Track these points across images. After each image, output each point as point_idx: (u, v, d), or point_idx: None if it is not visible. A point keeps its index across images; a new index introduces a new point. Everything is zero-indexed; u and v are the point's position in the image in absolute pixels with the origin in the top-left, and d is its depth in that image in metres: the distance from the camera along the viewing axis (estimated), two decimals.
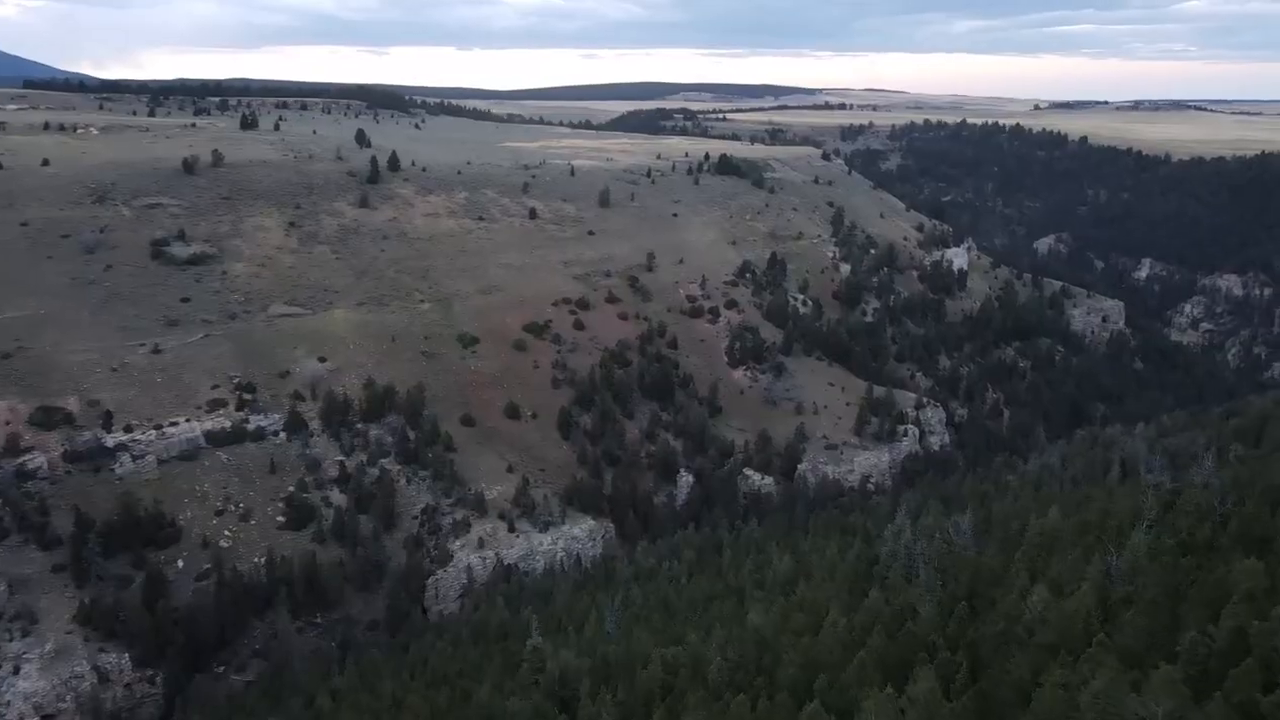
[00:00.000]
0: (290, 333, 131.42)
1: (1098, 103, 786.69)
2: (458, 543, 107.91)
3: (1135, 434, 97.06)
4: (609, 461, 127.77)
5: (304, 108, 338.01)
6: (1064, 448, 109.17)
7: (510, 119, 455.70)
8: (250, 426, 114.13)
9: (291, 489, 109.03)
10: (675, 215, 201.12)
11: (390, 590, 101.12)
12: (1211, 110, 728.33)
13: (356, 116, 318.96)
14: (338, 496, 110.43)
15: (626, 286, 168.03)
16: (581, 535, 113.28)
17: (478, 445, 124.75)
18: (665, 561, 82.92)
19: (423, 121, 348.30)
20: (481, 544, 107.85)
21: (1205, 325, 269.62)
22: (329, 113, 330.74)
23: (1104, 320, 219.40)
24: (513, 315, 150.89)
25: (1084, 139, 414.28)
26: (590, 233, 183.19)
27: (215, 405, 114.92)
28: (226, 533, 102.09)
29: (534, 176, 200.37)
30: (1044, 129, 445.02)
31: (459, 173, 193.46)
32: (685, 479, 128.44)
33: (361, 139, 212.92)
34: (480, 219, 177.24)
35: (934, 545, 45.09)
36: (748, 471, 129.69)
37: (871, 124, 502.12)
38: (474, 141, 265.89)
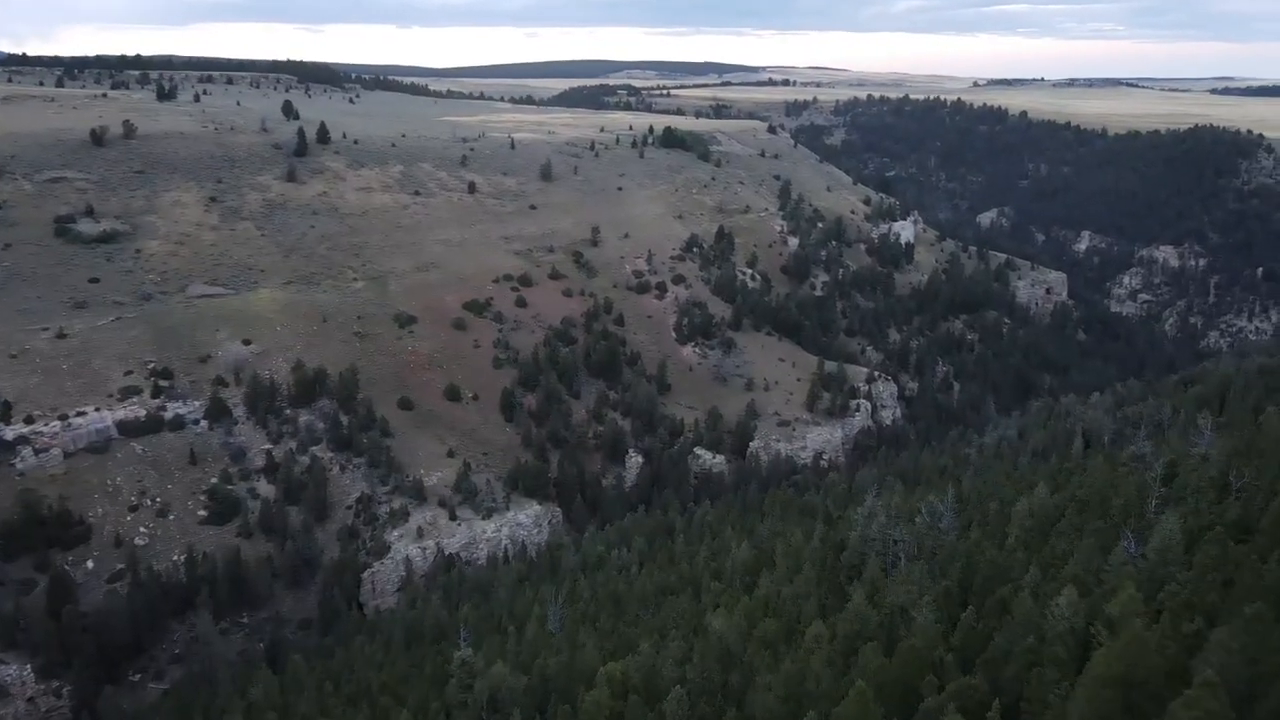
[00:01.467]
0: (211, 314, 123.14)
1: (1035, 80, 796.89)
2: (395, 533, 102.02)
3: (1093, 404, 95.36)
4: (555, 443, 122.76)
5: (230, 82, 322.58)
6: (1020, 419, 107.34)
7: (450, 95, 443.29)
8: (168, 415, 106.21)
9: (214, 481, 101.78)
10: (620, 189, 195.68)
11: (323, 586, 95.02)
12: (1143, 87, 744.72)
13: (287, 91, 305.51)
14: (265, 487, 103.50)
15: (570, 262, 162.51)
16: (527, 521, 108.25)
17: (416, 429, 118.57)
18: (614, 549, 78.36)
19: (357, 96, 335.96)
20: (421, 534, 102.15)
21: (1143, 296, 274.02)
22: (257, 87, 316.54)
23: (1048, 292, 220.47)
24: (452, 293, 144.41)
25: (1023, 114, 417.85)
26: (532, 207, 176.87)
27: (128, 393, 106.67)
28: (142, 530, 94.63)
29: (472, 150, 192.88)
30: (984, 104, 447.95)
31: (393, 145, 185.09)
32: (634, 459, 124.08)
33: (289, 110, 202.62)
34: (416, 194, 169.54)
35: (914, 530, 41.04)
36: (698, 451, 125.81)
37: (816, 100, 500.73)
38: (411, 116, 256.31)
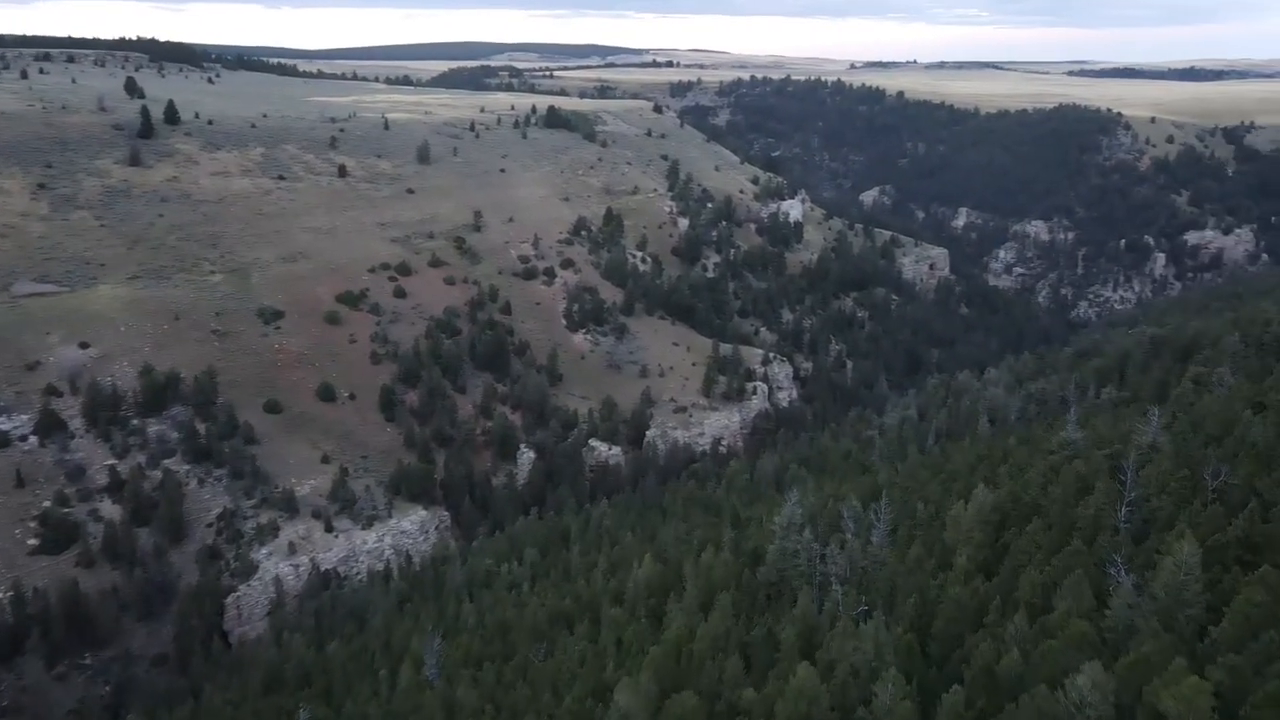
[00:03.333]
0: (40, 315, 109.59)
1: (908, 63, 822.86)
2: (263, 550, 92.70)
3: (991, 380, 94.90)
4: (440, 442, 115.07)
5: (71, 60, 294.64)
6: (917, 397, 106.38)
7: (321, 76, 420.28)
8: None
9: (47, 504, 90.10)
10: (503, 171, 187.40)
11: (180, 616, 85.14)
12: (1007, 69, 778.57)
13: (137, 70, 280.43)
14: (109, 508, 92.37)
15: (452, 249, 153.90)
16: (411, 528, 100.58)
17: (286, 434, 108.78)
18: (505, 562, 71.75)
19: (217, 76, 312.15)
20: (293, 549, 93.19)
21: (1018, 269, 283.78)
22: (102, 65, 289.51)
23: (931, 268, 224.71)
24: (323, 284, 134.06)
25: (900, 94, 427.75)
26: (409, 191, 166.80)
27: None
28: None
29: (342, 131, 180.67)
30: (863, 85, 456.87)
31: (253, 126, 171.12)
32: (526, 455, 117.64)
33: (132, 88, 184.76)
34: (280, 178, 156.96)
35: (844, 547, 36.18)
36: (593, 443, 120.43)
37: (700, 81, 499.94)
38: (277, 97, 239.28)
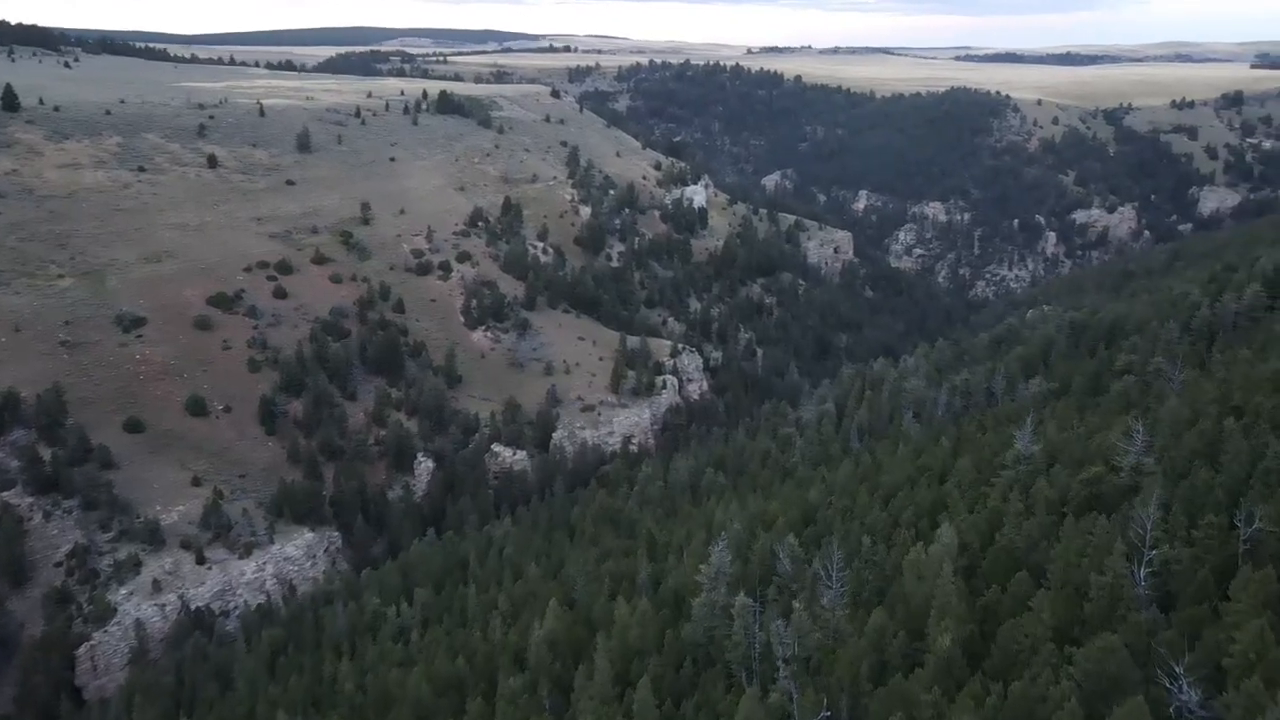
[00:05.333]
0: None
1: (803, 48, 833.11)
2: (122, 591, 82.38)
3: (908, 370, 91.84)
4: (328, 455, 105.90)
5: None
6: (833, 390, 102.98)
7: (195, 61, 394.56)
8: None
9: None
10: (392, 160, 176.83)
11: (23, 671, 74.55)
12: (898, 54, 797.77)
13: None
14: None
15: (338, 244, 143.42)
16: (297, 554, 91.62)
17: (149, 456, 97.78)
18: (393, 603, 63.86)
19: (75, 60, 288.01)
20: (158, 587, 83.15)
21: (918, 251, 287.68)
22: None
23: (835, 251, 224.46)
24: (192, 287, 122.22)
25: (798, 78, 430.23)
26: (289, 183, 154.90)
27: None
28: None
29: (212, 118, 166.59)
30: (761, 69, 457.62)
31: (108, 113, 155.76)
32: (424, 465, 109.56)
33: None
34: (141, 170, 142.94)
35: (793, 623, 29.78)
36: (496, 448, 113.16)
37: (599, 66, 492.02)
38: (141, 82, 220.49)
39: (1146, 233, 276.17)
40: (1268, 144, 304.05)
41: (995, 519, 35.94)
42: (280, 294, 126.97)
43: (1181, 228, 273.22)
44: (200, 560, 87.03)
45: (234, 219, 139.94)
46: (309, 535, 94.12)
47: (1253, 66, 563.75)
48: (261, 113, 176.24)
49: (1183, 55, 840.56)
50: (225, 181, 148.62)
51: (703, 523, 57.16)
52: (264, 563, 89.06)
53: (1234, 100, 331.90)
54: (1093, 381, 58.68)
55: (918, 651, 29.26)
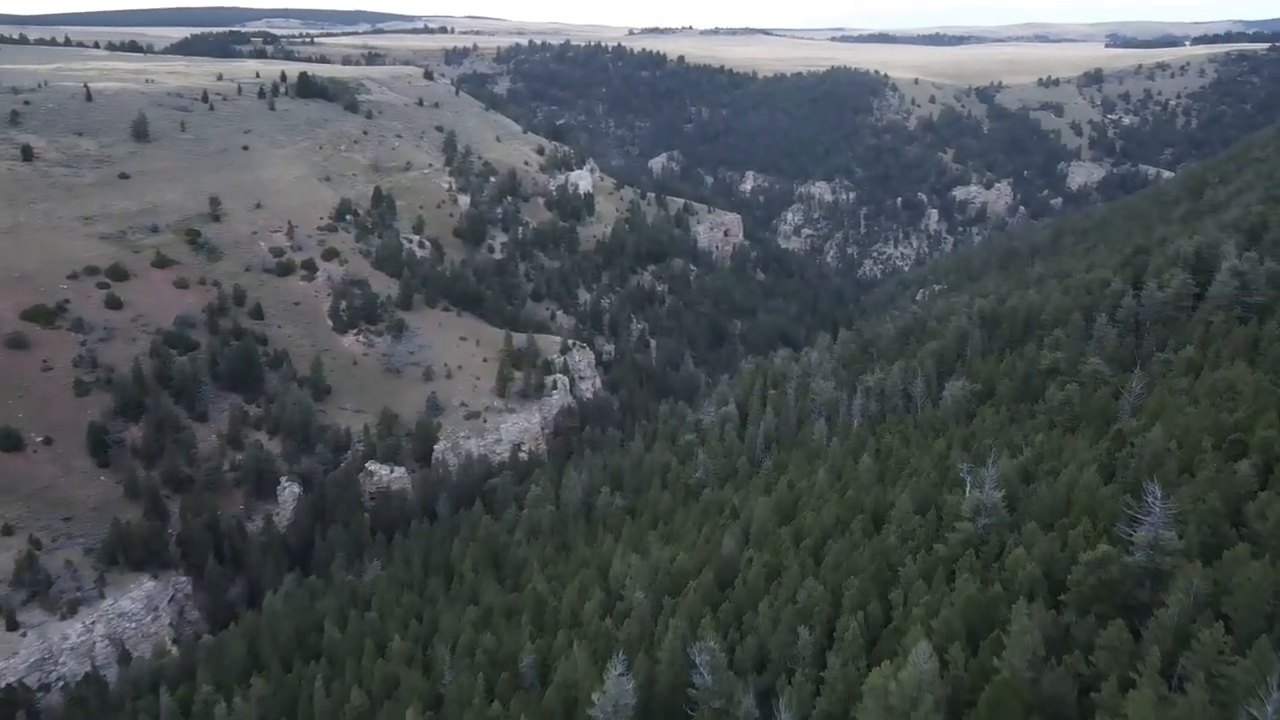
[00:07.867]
0: None
1: (684, 29, 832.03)
2: None
3: (811, 366, 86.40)
4: (174, 487, 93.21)
5: None
6: (732, 388, 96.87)
7: (20, 41, 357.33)
8: None
9: None
10: (246, 149, 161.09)
11: None
12: (776, 35, 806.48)
13: None
14: None
15: (183, 244, 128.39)
16: (134, 608, 79.37)
17: None
18: (231, 689, 53.39)
19: None
20: None
21: (806, 231, 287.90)
22: None
23: (726, 234, 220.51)
24: (3, 299, 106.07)
25: (681, 59, 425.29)
26: (122, 176, 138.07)
27: None
28: None
29: (27, 104, 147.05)
30: (644, 50, 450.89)
31: None
32: (289, 490, 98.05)
33: None
34: None
35: None
36: (371, 466, 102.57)
37: (476, 47, 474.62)
38: None
39: (1021, 208, 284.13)
40: (1127, 120, 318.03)
41: (973, 610, 29.60)
42: (113, 303, 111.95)
43: (1053, 202, 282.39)
44: (11, 625, 73.88)
45: (55, 219, 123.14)
46: (149, 584, 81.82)
47: (1106, 46, 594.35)
48: (89, 97, 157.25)
49: (1041, 35, 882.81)
50: (44, 176, 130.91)
51: (598, 573, 49.63)
52: (92, 622, 76.53)
53: (1094, 78, 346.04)
54: (1021, 385, 54.18)
55: None
